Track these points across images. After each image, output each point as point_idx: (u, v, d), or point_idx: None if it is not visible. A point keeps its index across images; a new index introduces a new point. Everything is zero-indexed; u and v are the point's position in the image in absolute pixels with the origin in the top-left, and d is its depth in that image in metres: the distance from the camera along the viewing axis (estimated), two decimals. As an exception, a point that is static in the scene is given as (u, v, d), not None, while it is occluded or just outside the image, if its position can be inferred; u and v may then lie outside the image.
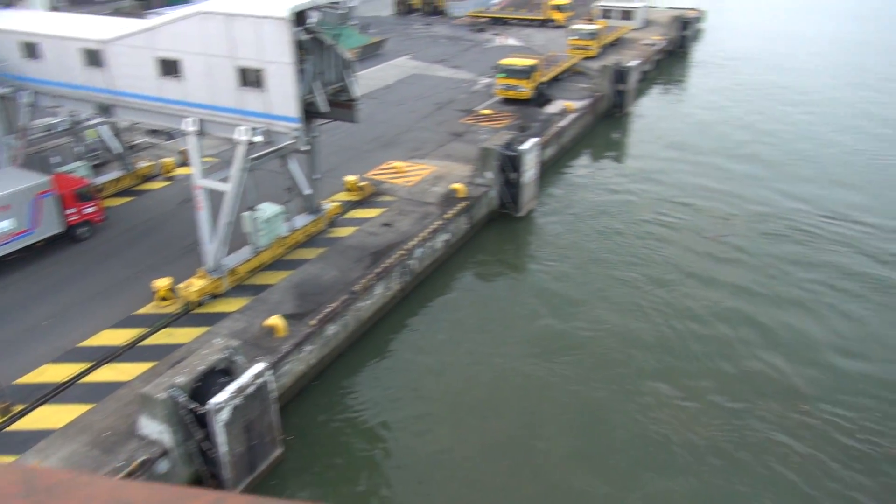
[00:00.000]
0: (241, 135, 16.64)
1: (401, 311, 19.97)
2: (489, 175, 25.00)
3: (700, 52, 53.46)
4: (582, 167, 31.36)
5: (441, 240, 22.17)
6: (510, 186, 25.17)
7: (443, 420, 15.98)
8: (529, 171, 25.20)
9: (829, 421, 15.57)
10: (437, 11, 62.00)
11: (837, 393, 16.50)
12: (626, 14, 55.09)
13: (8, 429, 13.48)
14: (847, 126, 35.57)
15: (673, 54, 51.43)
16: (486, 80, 38.82)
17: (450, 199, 23.77)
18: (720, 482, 14.10)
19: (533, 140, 25.63)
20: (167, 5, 36.42)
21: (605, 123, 36.48)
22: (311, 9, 16.00)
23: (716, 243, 23.76)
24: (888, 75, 45.47)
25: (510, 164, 24.68)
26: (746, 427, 15.47)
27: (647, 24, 56.33)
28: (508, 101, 35.31)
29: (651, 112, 39.14)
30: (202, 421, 12.69)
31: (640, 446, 15.05)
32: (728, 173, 29.73)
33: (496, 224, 25.19)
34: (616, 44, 49.25)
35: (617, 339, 18.73)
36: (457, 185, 24.21)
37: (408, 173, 26.16)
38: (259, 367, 13.49)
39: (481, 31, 54.99)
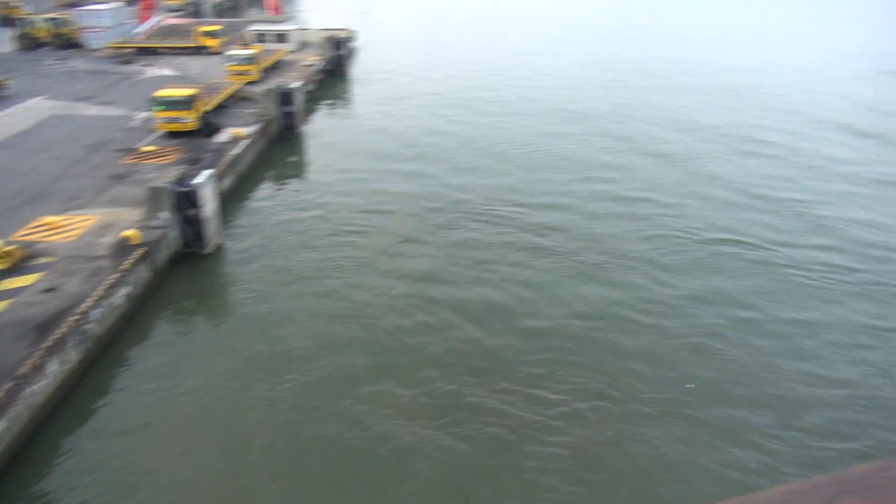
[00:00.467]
0: None
1: (89, 382, 17.55)
2: (164, 215, 23.26)
3: (358, 69, 56.45)
4: (265, 191, 30.96)
5: (122, 294, 19.99)
6: (191, 224, 23.74)
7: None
8: (208, 204, 24.04)
9: (527, 379, 17.74)
10: (71, 44, 55.60)
11: (528, 353, 18.87)
12: (281, 37, 55.78)
13: None
14: (497, 123, 40.71)
15: (333, 73, 53.52)
16: (143, 115, 36.03)
17: (124, 248, 21.55)
18: (458, 460, 15.12)
19: (207, 172, 24.51)
20: None
21: (280, 146, 36.52)
22: None
23: (404, 243, 25.36)
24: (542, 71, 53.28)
25: (186, 200, 23.27)
26: (462, 398, 16.85)
27: (303, 45, 57.71)
28: (173, 135, 33.25)
29: (322, 129, 40.24)
30: None
31: (363, 453, 15.41)
32: (402, 175, 31.96)
33: (184, 265, 23.58)
34: (276, 67, 49.56)
35: (329, 349, 18.91)
36: (129, 232, 22.04)
37: (66, 228, 23.06)
38: None
39: (128, 62, 50.83)
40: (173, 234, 23.56)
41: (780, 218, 27.39)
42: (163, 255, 22.92)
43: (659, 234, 25.93)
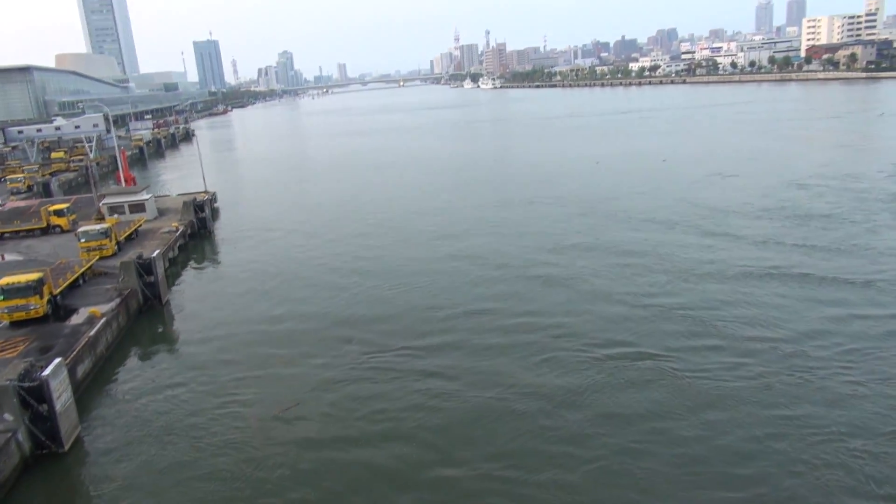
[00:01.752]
0: None
1: None
2: (8, 417, 20.50)
3: (223, 230, 55.49)
4: (129, 371, 28.37)
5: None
6: (42, 421, 21.05)
7: None
8: (62, 396, 21.56)
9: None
10: None
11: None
12: (136, 207, 54.23)
13: None
14: (368, 267, 40.61)
15: (196, 236, 52.20)
16: (-18, 308, 32.75)
17: (-44, 465, 18.54)
18: None
19: (57, 360, 22.18)
20: None
21: (143, 319, 34.23)
22: None
23: (288, 409, 23.71)
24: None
25: (33, 396, 20.74)
26: None
27: (162, 212, 56.30)
28: (18, 324, 30.34)
29: (189, 295, 38.38)
30: None
31: None
32: (275, 336, 30.61)
33: (38, 470, 20.60)
34: (134, 237, 47.66)
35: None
36: (-36, 445, 19.11)
37: None
38: None
39: (-34, 253, 46.98)
40: (22, 437, 20.71)
41: (664, 323, 28.44)
42: (11, 461, 19.94)
43: (550, 356, 26.00)
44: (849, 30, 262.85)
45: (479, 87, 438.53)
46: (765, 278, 32.57)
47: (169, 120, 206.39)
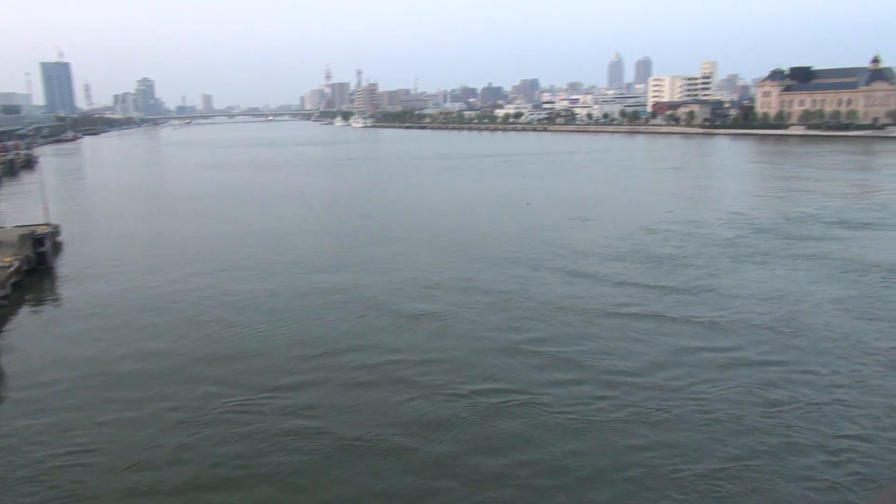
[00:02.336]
0: None
1: None
2: None
3: (68, 265, 50.85)
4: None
5: None
6: None
7: None
8: None
9: None
10: None
11: None
12: (-37, 240, 48.44)
13: None
14: (228, 315, 38.53)
15: (35, 272, 47.41)
16: None
17: None
18: None
19: None
20: None
21: (-35, 366, 30.24)
22: None
23: (130, 469, 21.63)
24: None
25: None
26: None
27: (-6, 246, 50.64)
28: None
29: (25, 336, 34.54)
30: None
31: None
32: (130, 377, 28.13)
33: None
34: (-42, 273, 42.39)
35: None
36: None
37: None
38: None
39: None
40: None
41: (530, 359, 29.04)
42: None
43: (417, 394, 25.71)
44: (688, 90, 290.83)
45: (350, 125, 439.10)
46: (623, 317, 34.39)
47: (8, 145, 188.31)
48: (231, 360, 30.02)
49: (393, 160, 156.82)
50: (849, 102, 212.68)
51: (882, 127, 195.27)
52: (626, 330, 32.53)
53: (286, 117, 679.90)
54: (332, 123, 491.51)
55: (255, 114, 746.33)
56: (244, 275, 45.56)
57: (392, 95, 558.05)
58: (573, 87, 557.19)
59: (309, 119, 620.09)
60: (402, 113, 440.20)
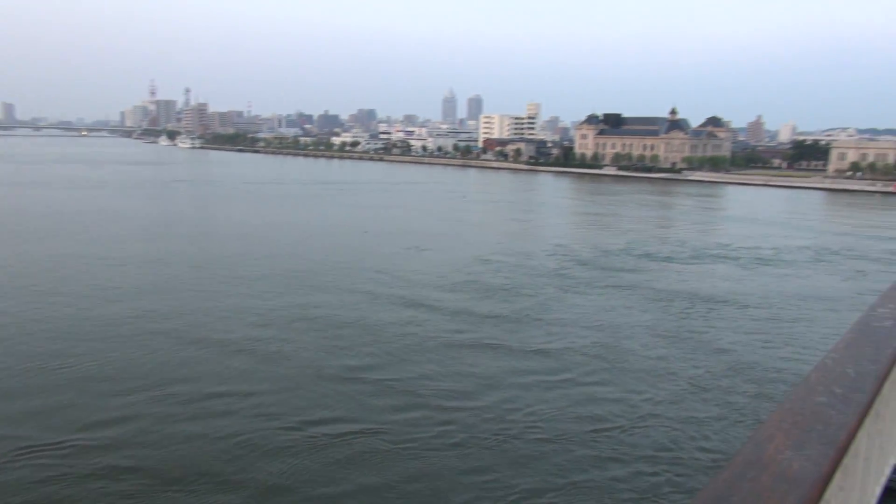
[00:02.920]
0: None
1: None
2: None
3: None
4: None
5: None
6: None
7: None
8: None
9: None
10: None
11: None
12: None
13: None
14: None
15: None
16: None
17: None
18: None
19: None
20: None
21: None
22: None
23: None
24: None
25: None
26: None
27: None
28: None
29: None
30: None
31: None
32: None
33: None
34: None
35: None
36: None
37: None
38: None
39: None
40: None
41: (372, 396, 28.73)
42: None
43: (251, 437, 24.49)
44: (515, 128, 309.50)
45: (176, 145, 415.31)
46: (459, 346, 35.35)
47: None
48: (32, 396, 26.75)
49: (224, 184, 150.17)
50: (652, 147, 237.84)
51: (679, 171, 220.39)
52: (463, 358, 33.46)
53: (104, 133, 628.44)
54: (155, 142, 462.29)
55: (67, 128, 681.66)
56: (44, 301, 40.99)
57: (224, 117, 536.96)
58: (409, 119, 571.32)
59: (130, 136, 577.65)
60: (235, 135, 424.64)
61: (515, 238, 77.21)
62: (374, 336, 36.49)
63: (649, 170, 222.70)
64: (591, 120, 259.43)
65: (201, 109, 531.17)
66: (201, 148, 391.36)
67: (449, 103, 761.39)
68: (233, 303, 42.87)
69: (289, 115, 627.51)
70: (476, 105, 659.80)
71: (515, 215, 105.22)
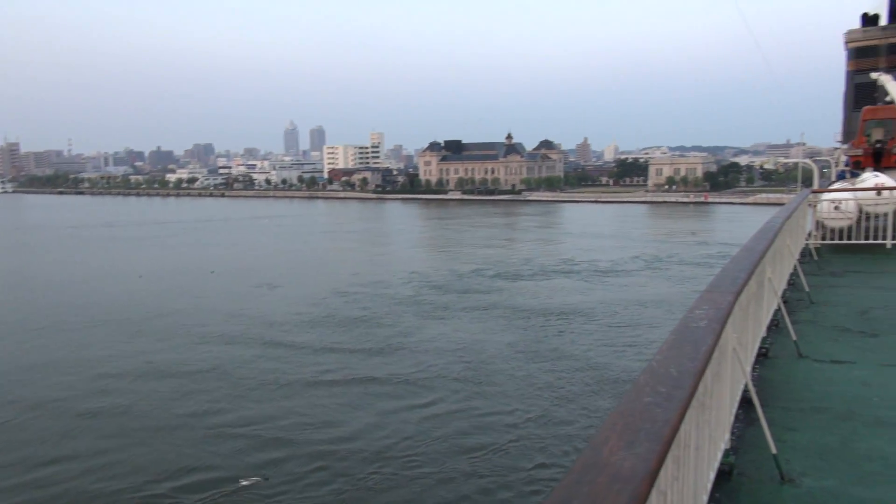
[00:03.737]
0: None
1: None
2: None
3: None
4: None
5: None
6: None
7: None
8: None
9: None
10: None
11: None
12: None
13: None
14: None
15: None
16: None
17: None
18: None
19: None
20: None
21: None
22: None
23: None
24: None
25: None
26: None
27: None
28: None
29: None
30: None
31: None
32: None
33: None
34: None
35: None
36: None
37: None
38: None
39: None
40: None
41: (235, 442, 27.02)
42: None
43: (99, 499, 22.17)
44: (360, 158, 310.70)
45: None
46: (326, 384, 34.33)
47: None
48: None
49: (45, 230, 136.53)
50: (492, 171, 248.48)
51: (519, 192, 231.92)
52: (332, 396, 32.53)
53: None
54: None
55: None
56: None
57: (40, 157, 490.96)
58: (250, 152, 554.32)
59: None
60: (54, 177, 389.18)
61: (370, 268, 76.92)
62: (234, 385, 34.47)
63: (492, 192, 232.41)
64: (434, 147, 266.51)
65: (12, 150, 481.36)
66: (14, 192, 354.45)
67: (291, 135, 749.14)
68: (65, 365, 38.75)
69: (116, 153, 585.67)
70: (319, 136, 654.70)
71: (368, 244, 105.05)
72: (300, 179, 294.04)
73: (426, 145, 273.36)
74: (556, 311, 49.92)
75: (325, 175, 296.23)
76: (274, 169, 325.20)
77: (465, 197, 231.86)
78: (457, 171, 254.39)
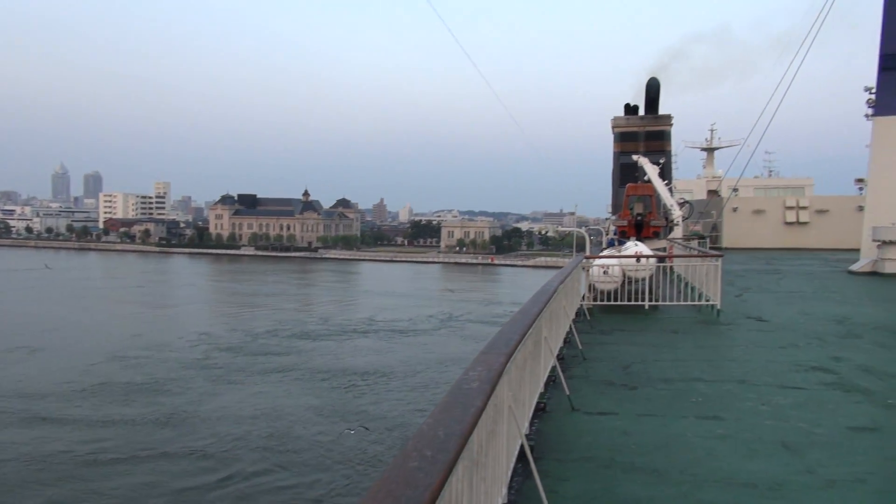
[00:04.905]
0: None
1: None
2: None
3: None
4: None
5: None
6: None
7: None
8: None
9: None
10: None
11: None
12: None
13: None
14: None
15: None
16: None
17: None
18: None
19: None
20: None
21: None
22: None
23: None
24: None
25: None
26: None
27: None
28: None
29: None
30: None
31: None
32: None
33: None
34: None
35: None
36: None
37: None
38: None
39: None
40: None
41: None
42: None
43: None
44: (142, 208, 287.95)
45: None
46: (104, 465, 30.19)
47: None
48: None
49: None
50: (289, 227, 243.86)
51: (315, 249, 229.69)
52: (111, 480, 28.62)
53: None
54: None
55: None
56: None
57: None
58: (8, 196, 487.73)
59: None
60: None
61: (152, 328, 70.40)
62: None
63: (287, 249, 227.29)
64: (227, 200, 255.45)
65: None
66: None
67: (60, 179, 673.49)
68: None
69: None
70: (95, 182, 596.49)
71: (149, 302, 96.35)
72: (69, 228, 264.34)
73: (218, 198, 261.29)
74: (359, 372, 49.33)
75: (101, 225, 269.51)
76: (38, 216, 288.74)
77: (259, 253, 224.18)
78: (251, 225, 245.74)
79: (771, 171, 69.89)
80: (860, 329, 14.38)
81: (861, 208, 33.74)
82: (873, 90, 31.00)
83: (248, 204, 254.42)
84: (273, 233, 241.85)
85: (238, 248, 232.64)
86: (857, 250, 30.00)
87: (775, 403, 8.74)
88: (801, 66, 34.37)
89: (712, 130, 69.83)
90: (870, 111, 31.27)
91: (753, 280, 25.13)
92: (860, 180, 45.72)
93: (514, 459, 5.90)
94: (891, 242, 26.85)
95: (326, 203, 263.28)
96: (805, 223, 47.30)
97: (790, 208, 47.90)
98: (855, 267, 28.64)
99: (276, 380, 47.06)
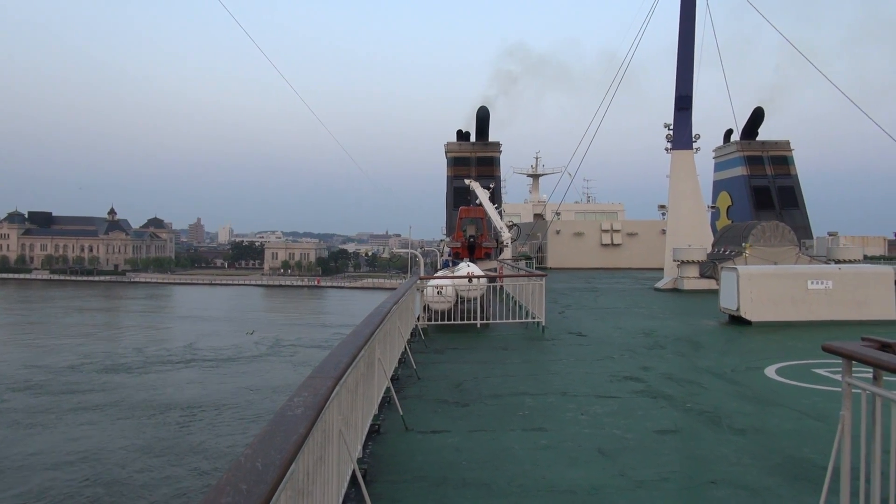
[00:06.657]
0: None
1: None
2: None
3: None
4: None
5: None
6: None
7: None
8: None
9: None
10: None
11: None
12: None
13: None
14: None
15: None
16: None
17: None
18: None
19: None
20: None
21: None
22: None
23: None
24: None
25: None
26: None
27: None
28: None
29: None
30: None
31: None
32: None
33: None
34: None
35: None
36: None
37: None
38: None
39: None
40: None
41: None
42: None
43: None
44: None
45: None
46: None
47: None
48: None
49: None
50: (91, 249, 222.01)
51: (123, 272, 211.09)
52: None
53: None
54: None
55: None
56: None
57: None
58: None
59: None
60: None
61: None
62: None
63: (90, 272, 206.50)
64: (14, 218, 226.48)
65: None
66: None
67: None
68: None
69: None
70: None
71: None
72: None
73: (4, 216, 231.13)
74: (184, 406, 45.93)
75: None
76: None
77: (55, 277, 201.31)
78: (44, 247, 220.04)
79: (589, 197, 76.29)
80: (664, 340, 16.04)
81: (664, 232, 37.95)
82: (671, 127, 35.26)
83: (40, 223, 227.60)
84: (73, 255, 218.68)
85: (29, 272, 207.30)
86: (662, 269, 33.68)
87: (593, 412, 9.44)
88: (610, 104, 38.24)
89: (537, 158, 74.86)
90: (668, 145, 35.48)
91: (574, 298, 27.19)
92: (662, 206, 51.39)
93: (346, 485, 5.81)
94: (687, 262, 30.49)
95: (136, 223, 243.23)
96: (618, 245, 52.18)
97: (605, 231, 52.63)
98: (659, 284, 32.14)
99: (93, 419, 42.41)
